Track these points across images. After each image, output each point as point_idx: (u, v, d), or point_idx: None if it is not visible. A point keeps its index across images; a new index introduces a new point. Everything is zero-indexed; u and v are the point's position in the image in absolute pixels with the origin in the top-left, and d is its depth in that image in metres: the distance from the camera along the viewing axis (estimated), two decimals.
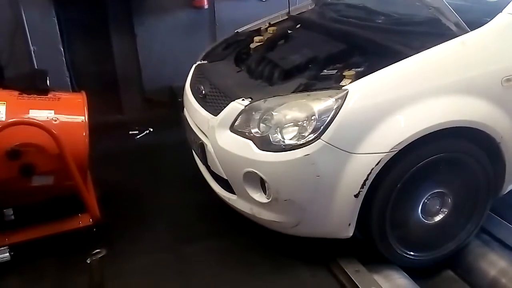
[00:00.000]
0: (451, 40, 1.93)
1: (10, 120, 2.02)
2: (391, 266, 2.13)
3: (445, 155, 1.99)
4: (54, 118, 2.13)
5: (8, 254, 2.12)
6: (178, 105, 3.07)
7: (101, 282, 1.99)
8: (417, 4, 2.16)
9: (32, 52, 3.49)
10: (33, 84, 2.26)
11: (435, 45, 1.91)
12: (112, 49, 3.87)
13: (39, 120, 2.06)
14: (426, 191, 2.07)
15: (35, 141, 2.05)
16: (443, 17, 2.00)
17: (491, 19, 1.99)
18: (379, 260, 2.12)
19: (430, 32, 2.09)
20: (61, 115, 2.17)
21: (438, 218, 2.15)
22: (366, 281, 2.02)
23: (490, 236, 2.33)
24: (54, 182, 2.18)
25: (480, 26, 1.97)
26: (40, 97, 2.20)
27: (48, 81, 2.33)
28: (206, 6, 3.90)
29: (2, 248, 2.12)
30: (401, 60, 1.88)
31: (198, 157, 2.45)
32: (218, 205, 2.34)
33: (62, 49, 3.59)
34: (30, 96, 2.19)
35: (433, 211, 2.13)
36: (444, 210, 2.15)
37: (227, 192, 2.20)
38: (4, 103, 2.08)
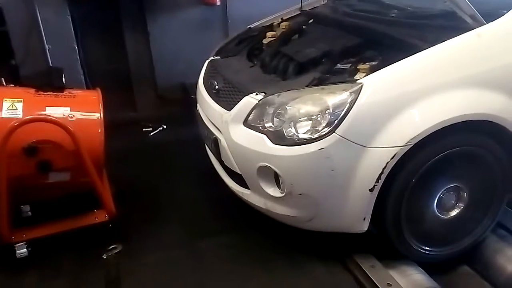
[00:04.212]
0: (467, 32, 1.90)
1: (27, 117, 2.04)
2: (407, 262, 2.12)
3: (461, 149, 1.97)
4: (70, 115, 2.16)
5: (26, 249, 2.15)
6: (191, 101, 3.09)
7: (117, 277, 2.02)
8: None
9: (47, 51, 3.53)
10: (49, 82, 2.30)
11: (451, 38, 1.88)
12: (125, 46, 3.90)
13: (55, 117, 2.08)
14: (442, 186, 2.04)
15: (51, 138, 2.08)
16: (459, 10, 1.97)
17: (507, 11, 1.95)
18: (395, 255, 2.11)
19: (445, 25, 2.06)
20: (77, 112, 2.19)
21: (454, 212, 2.13)
22: (382, 276, 2.01)
23: (507, 231, 2.30)
24: (71, 178, 2.21)
25: (496, 18, 1.93)
26: (56, 95, 2.23)
27: (63, 79, 2.36)
28: (218, 3, 3.90)
29: (20, 244, 2.15)
30: (416, 53, 1.86)
31: (212, 152, 2.46)
32: (232, 200, 2.35)
33: (76, 47, 3.63)
34: (46, 93, 2.22)
35: (448, 205, 2.11)
36: (460, 204, 2.12)
37: (241, 187, 2.20)
38: (21, 101, 2.11)
